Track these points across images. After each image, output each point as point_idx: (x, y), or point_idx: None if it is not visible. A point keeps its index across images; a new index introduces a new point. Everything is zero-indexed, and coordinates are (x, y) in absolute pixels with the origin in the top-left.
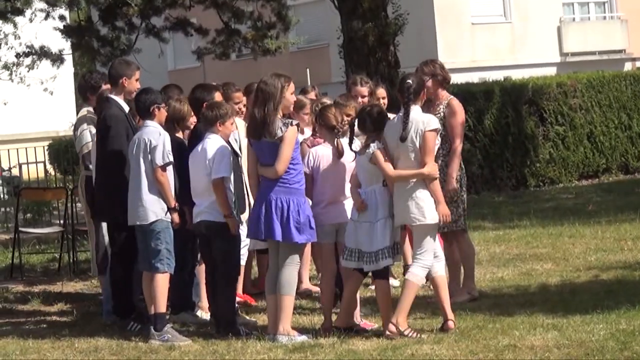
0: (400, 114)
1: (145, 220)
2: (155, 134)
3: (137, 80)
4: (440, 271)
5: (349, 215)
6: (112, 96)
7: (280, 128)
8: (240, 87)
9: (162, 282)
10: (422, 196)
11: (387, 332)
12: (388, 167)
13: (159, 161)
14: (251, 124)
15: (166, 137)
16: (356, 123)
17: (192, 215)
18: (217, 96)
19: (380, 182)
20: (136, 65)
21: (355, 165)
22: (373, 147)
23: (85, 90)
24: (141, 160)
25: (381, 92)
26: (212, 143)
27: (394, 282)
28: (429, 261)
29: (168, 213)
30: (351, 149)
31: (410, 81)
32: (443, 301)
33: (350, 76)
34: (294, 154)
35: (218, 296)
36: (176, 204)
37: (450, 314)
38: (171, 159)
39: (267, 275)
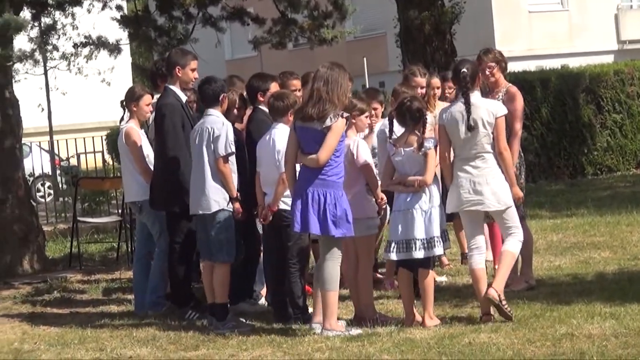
0: (460, 102)
1: (208, 209)
2: (218, 124)
3: (193, 70)
4: (481, 264)
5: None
6: (170, 85)
7: (331, 117)
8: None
9: (223, 272)
10: (497, 182)
11: (488, 297)
12: (434, 168)
13: (221, 151)
14: (305, 103)
15: (229, 127)
16: (395, 117)
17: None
18: (274, 86)
19: None
20: (192, 55)
21: (395, 158)
22: (428, 145)
23: (155, 78)
24: (204, 149)
25: (435, 81)
26: (281, 133)
27: (441, 278)
28: (521, 234)
29: (230, 203)
30: (390, 142)
31: (465, 70)
32: (482, 294)
33: (406, 65)
34: (338, 146)
35: (290, 283)
36: (238, 194)
37: (487, 307)
38: (233, 149)
39: (315, 267)
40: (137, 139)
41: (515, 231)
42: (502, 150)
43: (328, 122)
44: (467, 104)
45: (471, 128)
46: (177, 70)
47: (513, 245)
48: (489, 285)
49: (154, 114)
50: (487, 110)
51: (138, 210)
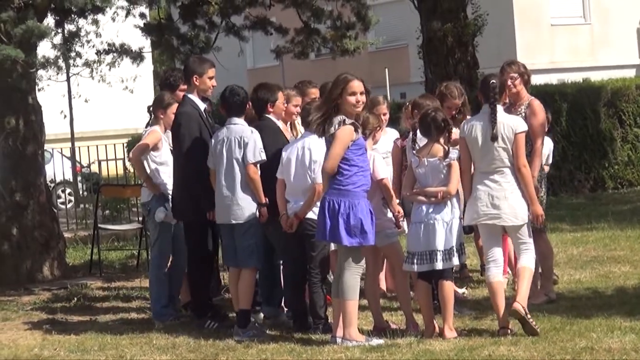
0: (485, 113)
1: (242, 219)
2: (247, 132)
3: (210, 78)
4: (498, 277)
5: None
6: (187, 94)
7: (334, 126)
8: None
9: (250, 278)
10: (515, 197)
11: (514, 310)
12: (457, 181)
13: (251, 158)
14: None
15: (258, 135)
16: (418, 127)
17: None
18: (280, 96)
19: None
20: (210, 63)
21: (419, 170)
22: (452, 156)
23: (163, 88)
24: (234, 159)
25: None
26: (316, 143)
27: (462, 290)
28: (533, 250)
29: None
30: (413, 153)
31: (495, 81)
32: (499, 307)
33: (429, 77)
34: (351, 154)
35: (311, 293)
36: (266, 200)
37: (505, 321)
38: (263, 156)
39: (334, 278)
40: (153, 140)
41: (529, 247)
42: (520, 167)
43: (332, 130)
44: (494, 114)
45: (495, 138)
46: (194, 78)
47: (529, 261)
48: (513, 299)
49: None
50: (507, 125)
51: (146, 213)
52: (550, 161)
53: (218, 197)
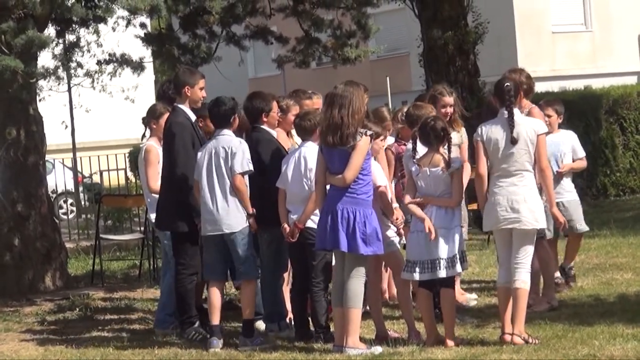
0: (502, 116)
1: (236, 228)
2: (235, 142)
3: (201, 89)
4: (507, 284)
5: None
6: (179, 105)
7: (355, 136)
8: (319, 95)
9: (252, 288)
10: (534, 200)
11: (513, 343)
12: (462, 191)
13: (238, 168)
14: (325, 130)
15: (246, 146)
16: (418, 136)
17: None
18: (274, 106)
19: None
20: (201, 74)
21: (419, 180)
22: (455, 165)
23: (161, 100)
24: (224, 168)
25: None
26: (311, 152)
27: (472, 296)
28: (529, 265)
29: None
30: (414, 161)
31: (509, 84)
32: (504, 313)
33: (430, 85)
34: (365, 164)
35: (313, 302)
36: (254, 210)
37: (508, 327)
38: (251, 167)
39: (333, 287)
40: (157, 157)
41: (526, 261)
42: (543, 168)
43: (352, 142)
44: (511, 117)
45: (514, 141)
46: (186, 89)
47: (524, 281)
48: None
49: None
50: (530, 127)
51: (155, 225)
52: (581, 155)
53: (206, 209)
